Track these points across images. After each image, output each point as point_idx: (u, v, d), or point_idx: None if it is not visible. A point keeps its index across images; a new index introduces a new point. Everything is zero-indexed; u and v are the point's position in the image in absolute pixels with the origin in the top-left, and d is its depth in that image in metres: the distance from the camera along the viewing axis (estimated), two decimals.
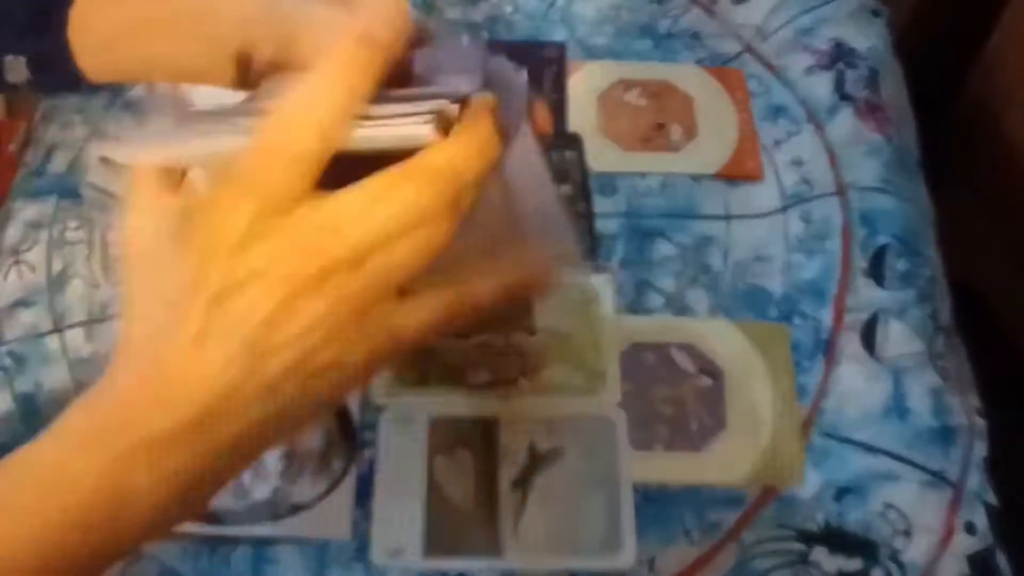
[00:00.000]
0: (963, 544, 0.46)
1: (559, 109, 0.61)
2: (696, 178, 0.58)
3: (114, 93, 0.63)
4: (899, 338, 0.52)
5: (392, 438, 0.49)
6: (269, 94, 0.32)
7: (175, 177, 0.34)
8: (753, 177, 0.58)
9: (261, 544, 0.47)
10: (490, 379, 0.51)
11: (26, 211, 0.58)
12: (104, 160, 0.60)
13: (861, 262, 0.54)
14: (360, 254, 0.28)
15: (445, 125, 0.29)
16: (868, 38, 0.64)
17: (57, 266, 0.56)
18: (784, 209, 0.57)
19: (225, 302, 0.28)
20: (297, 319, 0.29)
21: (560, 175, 0.57)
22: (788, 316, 0.53)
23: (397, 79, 0.31)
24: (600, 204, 0.56)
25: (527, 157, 0.35)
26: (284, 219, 0.28)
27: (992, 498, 0.48)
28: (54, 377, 0.52)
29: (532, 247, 0.35)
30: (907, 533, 0.46)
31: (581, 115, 0.61)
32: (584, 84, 0.62)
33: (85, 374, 0.52)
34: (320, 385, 0.30)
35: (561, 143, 0.59)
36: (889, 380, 0.50)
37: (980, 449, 0.49)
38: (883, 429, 0.49)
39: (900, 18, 0.74)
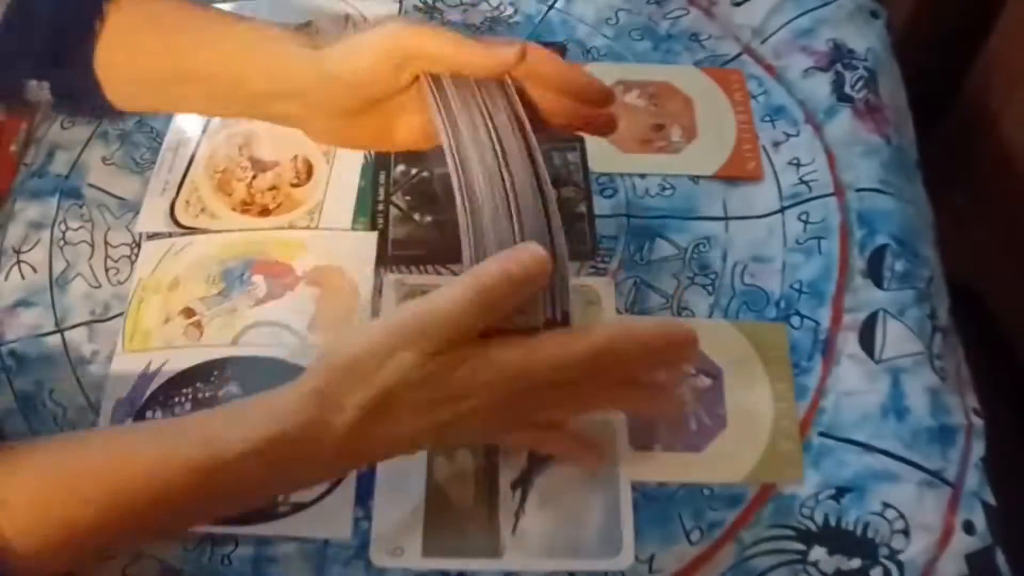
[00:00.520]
0: (961, 544, 0.46)
1: None
2: (695, 179, 0.58)
3: None
4: (897, 338, 0.52)
5: None
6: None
7: None
8: (752, 178, 0.58)
9: (262, 543, 0.47)
10: None
11: (28, 211, 0.58)
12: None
13: (859, 262, 0.54)
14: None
15: None
16: (867, 39, 0.65)
17: (59, 266, 0.56)
18: (783, 210, 0.57)
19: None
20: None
21: (562, 177, 0.57)
22: (787, 316, 0.53)
23: None
24: (600, 205, 0.57)
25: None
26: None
27: (990, 497, 0.48)
28: (55, 377, 0.52)
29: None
30: (906, 533, 0.47)
31: None
32: None
33: (86, 374, 0.52)
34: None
35: (563, 145, 0.59)
36: (887, 380, 0.51)
37: (978, 449, 0.49)
38: (881, 429, 0.49)
39: (899, 19, 0.74)
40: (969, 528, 0.47)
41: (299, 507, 0.47)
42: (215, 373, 0.51)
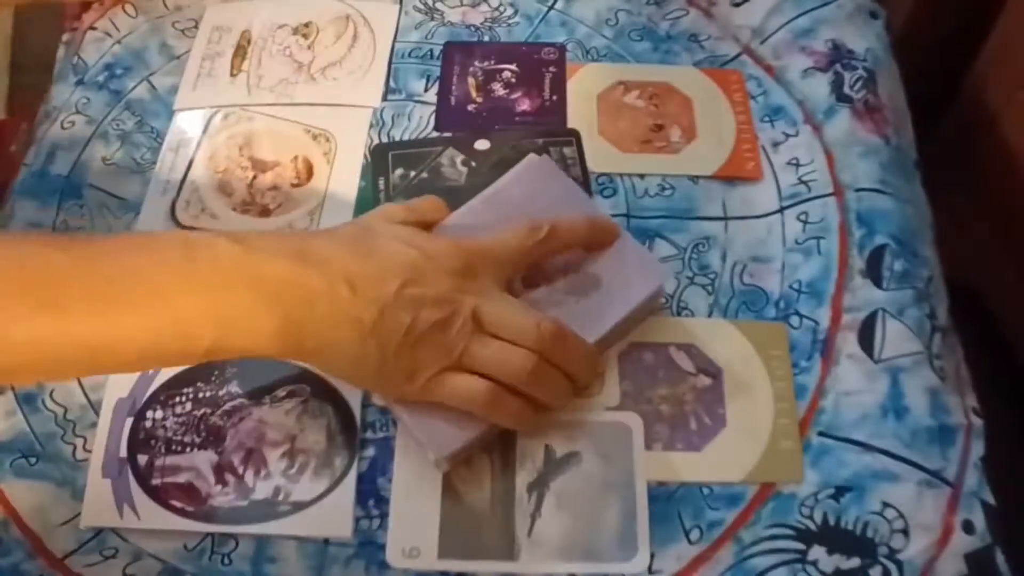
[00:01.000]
0: (961, 543, 0.46)
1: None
2: (695, 179, 0.58)
3: (116, 94, 0.64)
4: (897, 338, 0.52)
5: (409, 439, 0.49)
6: None
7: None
8: (751, 178, 0.58)
9: (262, 543, 0.47)
10: None
11: (28, 211, 0.59)
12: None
13: (859, 262, 0.55)
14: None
15: None
16: (866, 40, 0.65)
17: None
18: (782, 210, 0.57)
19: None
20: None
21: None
22: (786, 316, 0.53)
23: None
24: (599, 205, 0.57)
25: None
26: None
27: (990, 497, 0.48)
28: None
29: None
30: (905, 532, 0.47)
31: (580, 117, 0.61)
32: (583, 86, 0.63)
33: None
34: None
35: (559, 140, 0.59)
36: (887, 380, 0.51)
37: (978, 448, 0.49)
38: (881, 428, 0.49)
39: (898, 19, 0.74)
40: (968, 528, 0.47)
41: (299, 507, 0.48)
42: (215, 373, 0.51)
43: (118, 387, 0.51)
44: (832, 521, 0.47)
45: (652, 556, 0.46)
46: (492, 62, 0.64)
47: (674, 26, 0.66)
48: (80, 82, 0.65)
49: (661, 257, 0.55)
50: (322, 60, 0.64)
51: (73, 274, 0.41)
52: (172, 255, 0.43)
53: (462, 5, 0.68)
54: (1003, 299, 0.84)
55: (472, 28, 0.66)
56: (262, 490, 0.48)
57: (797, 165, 0.59)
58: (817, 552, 0.46)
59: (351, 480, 0.48)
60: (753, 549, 0.47)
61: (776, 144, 0.60)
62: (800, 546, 0.47)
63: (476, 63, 0.64)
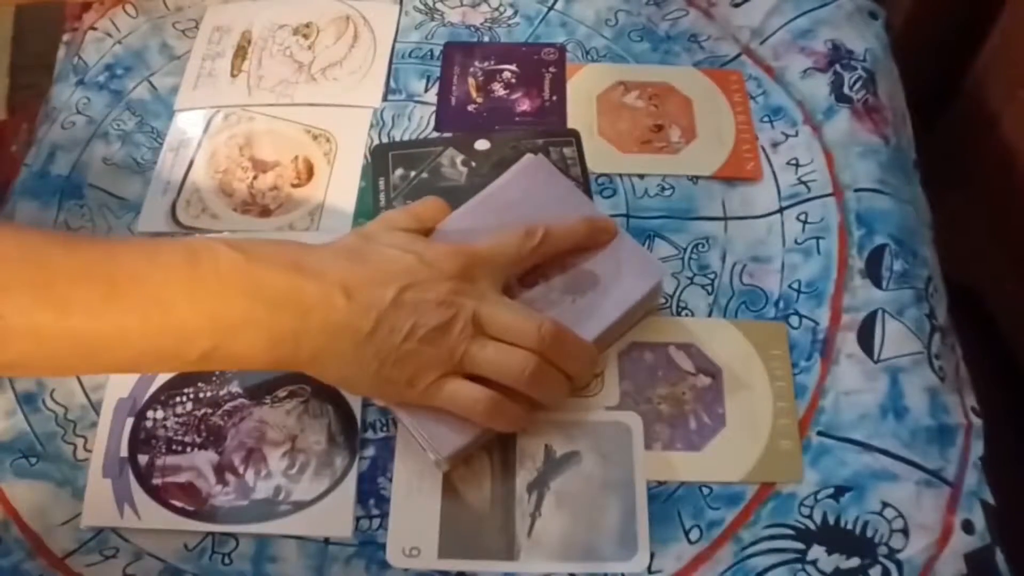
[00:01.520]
0: (961, 543, 0.47)
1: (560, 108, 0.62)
2: (694, 179, 0.58)
3: (116, 94, 0.64)
4: (896, 338, 0.52)
5: (410, 439, 0.49)
6: None
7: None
8: (751, 178, 0.58)
9: (262, 543, 0.47)
10: None
11: (28, 211, 0.59)
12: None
13: (858, 262, 0.55)
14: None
15: None
16: (865, 40, 0.65)
17: None
18: (782, 210, 0.57)
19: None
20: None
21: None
22: (786, 316, 0.53)
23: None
24: (599, 205, 0.57)
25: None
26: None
27: (989, 497, 0.48)
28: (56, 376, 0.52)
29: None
30: (904, 532, 0.47)
31: (580, 117, 0.61)
32: (583, 86, 0.63)
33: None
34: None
35: (559, 140, 0.59)
36: (886, 379, 0.51)
37: (977, 448, 0.49)
38: (880, 428, 0.49)
39: (897, 20, 0.74)
40: (968, 527, 0.47)
41: (300, 506, 0.48)
42: (216, 373, 0.52)
43: (119, 387, 0.51)
44: (832, 521, 0.47)
45: (652, 556, 0.46)
46: (492, 62, 0.64)
47: (674, 26, 0.66)
48: (80, 82, 0.65)
49: (661, 257, 0.55)
50: (322, 60, 0.65)
51: (76, 274, 0.42)
52: (174, 260, 0.43)
53: (462, 5, 0.68)
54: (1002, 299, 0.84)
55: (472, 28, 0.66)
56: (263, 490, 0.48)
57: (797, 165, 0.59)
58: (817, 552, 0.46)
59: (351, 480, 0.48)
60: (753, 549, 0.47)
61: (776, 144, 0.60)
62: (800, 546, 0.47)
63: (476, 63, 0.64)
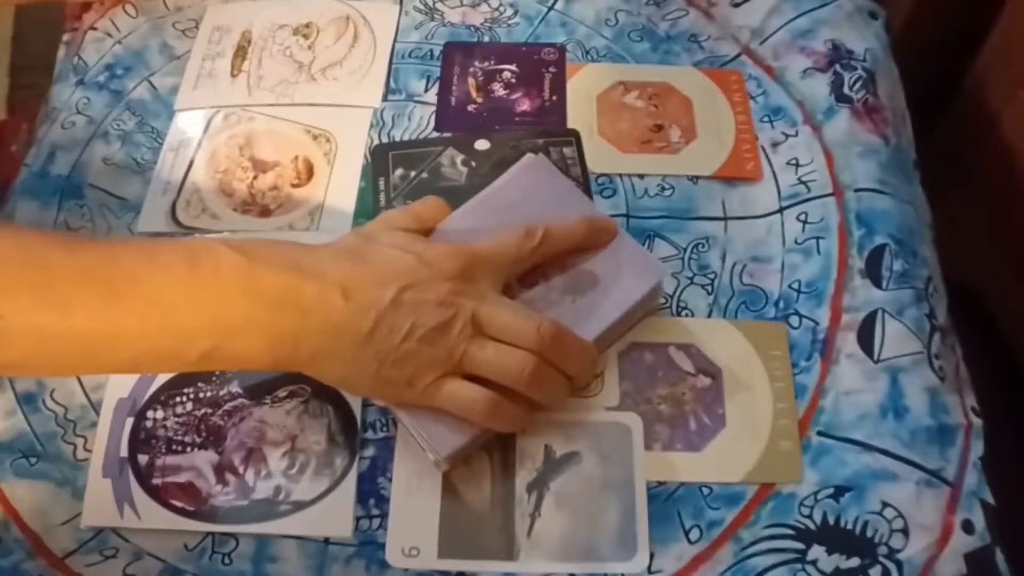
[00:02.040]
0: (961, 543, 0.47)
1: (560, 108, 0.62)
2: (694, 179, 0.58)
3: (116, 94, 0.64)
4: (896, 338, 0.52)
5: (409, 439, 0.49)
6: None
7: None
8: (751, 178, 0.58)
9: (262, 543, 0.47)
10: None
11: (28, 211, 0.59)
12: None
13: (858, 262, 0.55)
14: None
15: None
16: (865, 40, 0.65)
17: None
18: (781, 210, 0.57)
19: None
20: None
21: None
22: (786, 316, 0.53)
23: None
24: (599, 206, 0.57)
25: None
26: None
27: (989, 497, 0.48)
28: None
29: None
30: (904, 532, 0.47)
31: (580, 117, 0.61)
32: (583, 86, 0.63)
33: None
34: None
35: (559, 140, 0.59)
36: (886, 379, 0.51)
37: (977, 448, 0.49)
38: (880, 428, 0.49)
39: (897, 20, 0.74)
40: (968, 527, 0.47)
41: (299, 506, 0.48)
42: (216, 373, 0.52)
43: (119, 387, 0.51)
44: (832, 521, 0.47)
45: (652, 556, 0.46)
46: (492, 62, 0.64)
47: (674, 26, 0.66)
48: (80, 82, 0.65)
49: (661, 257, 0.55)
50: (322, 60, 0.65)
51: (77, 274, 0.42)
52: (174, 260, 0.43)
53: (462, 5, 0.68)
54: (1002, 299, 0.84)
55: (472, 28, 0.66)
56: (262, 490, 0.48)
57: (797, 165, 0.59)
58: (817, 552, 0.46)
59: (351, 480, 0.48)
60: (753, 549, 0.47)
61: (776, 144, 0.60)
62: (800, 546, 0.47)
63: (476, 63, 0.64)
